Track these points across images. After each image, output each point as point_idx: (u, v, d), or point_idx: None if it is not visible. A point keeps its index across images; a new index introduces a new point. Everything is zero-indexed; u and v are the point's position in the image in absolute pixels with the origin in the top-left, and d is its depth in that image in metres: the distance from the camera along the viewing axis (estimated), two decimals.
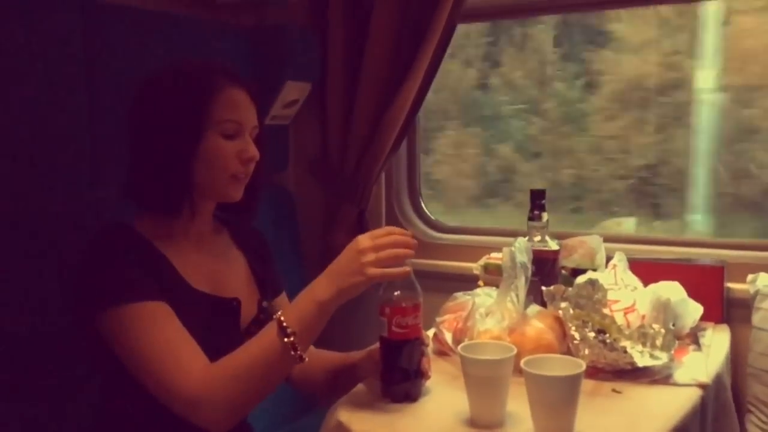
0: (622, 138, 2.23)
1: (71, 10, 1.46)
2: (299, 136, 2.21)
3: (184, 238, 1.27)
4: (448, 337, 1.42)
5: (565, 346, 1.33)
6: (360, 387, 1.27)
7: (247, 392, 1.13)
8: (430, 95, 2.04)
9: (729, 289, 1.70)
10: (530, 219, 1.51)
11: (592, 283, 1.37)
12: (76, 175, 1.50)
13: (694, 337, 1.50)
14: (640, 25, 2.18)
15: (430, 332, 1.46)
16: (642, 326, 1.33)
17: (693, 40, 2.07)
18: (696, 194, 2.07)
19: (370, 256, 1.10)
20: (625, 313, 1.38)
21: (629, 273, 1.56)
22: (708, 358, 1.41)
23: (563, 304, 1.35)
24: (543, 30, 2.34)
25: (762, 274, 1.65)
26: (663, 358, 1.28)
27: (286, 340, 1.10)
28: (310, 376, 1.39)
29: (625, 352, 1.26)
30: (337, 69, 2.05)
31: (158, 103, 1.20)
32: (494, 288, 1.47)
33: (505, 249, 1.38)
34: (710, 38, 2.04)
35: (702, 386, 1.26)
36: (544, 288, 1.41)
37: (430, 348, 1.35)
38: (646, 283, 1.52)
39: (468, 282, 1.71)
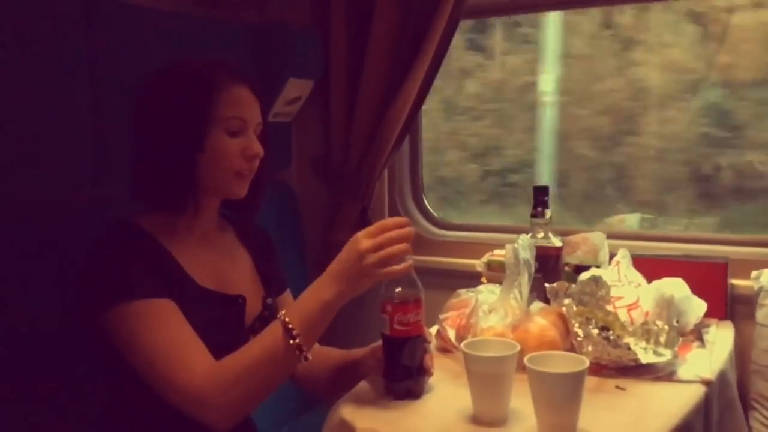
0: (485, 136, 2.51)
1: (73, 8, 1.46)
2: (302, 133, 2.21)
3: (189, 235, 1.27)
4: (451, 334, 1.42)
5: (569, 343, 1.33)
6: (363, 384, 1.27)
7: (252, 391, 1.13)
8: None
9: (733, 285, 1.70)
10: (533, 216, 1.51)
11: (596, 280, 1.37)
12: (78, 173, 1.49)
13: (697, 334, 1.49)
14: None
15: (433, 329, 1.46)
16: (645, 323, 1.32)
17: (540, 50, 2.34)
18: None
19: (372, 258, 1.10)
20: (629, 310, 1.38)
21: (633, 270, 1.56)
22: (712, 354, 1.41)
23: (566, 301, 1.35)
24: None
25: (766, 271, 1.64)
26: (667, 354, 1.28)
27: (291, 342, 1.11)
28: (313, 374, 1.39)
29: (629, 348, 1.26)
30: (340, 66, 2.05)
31: (162, 101, 1.20)
32: (497, 285, 1.46)
33: (508, 246, 1.37)
34: (551, 47, 2.30)
35: (706, 383, 1.25)
36: (547, 285, 1.41)
37: (433, 345, 1.35)
38: (649, 280, 1.52)
39: (471, 279, 1.71)
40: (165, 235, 1.23)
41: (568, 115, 2.33)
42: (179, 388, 1.11)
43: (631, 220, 2.20)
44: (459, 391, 1.17)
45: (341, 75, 2.06)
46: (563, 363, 1.07)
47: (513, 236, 1.42)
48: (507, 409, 1.11)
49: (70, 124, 1.46)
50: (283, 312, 1.13)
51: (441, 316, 1.47)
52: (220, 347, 1.15)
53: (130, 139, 1.24)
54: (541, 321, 1.33)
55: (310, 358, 1.13)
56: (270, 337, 1.13)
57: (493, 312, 1.35)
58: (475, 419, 1.11)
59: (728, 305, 1.68)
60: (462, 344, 1.15)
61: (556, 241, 1.51)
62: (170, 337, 1.13)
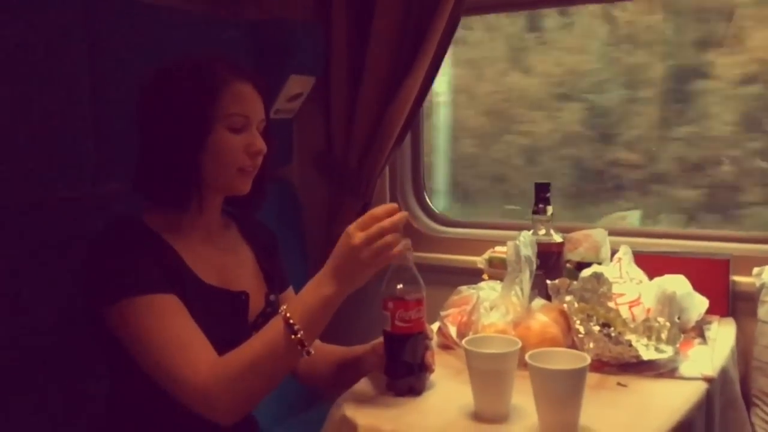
0: None
1: (74, 4, 1.46)
2: (303, 129, 2.21)
3: (193, 231, 1.27)
4: (453, 330, 1.42)
5: (570, 339, 1.32)
6: (364, 381, 1.27)
7: (255, 386, 1.13)
8: None
9: (734, 282, 1.70)
10: (535, 212, 1.51)
11: (597, 277, 1.36)
12: (79, 171, 1.50)
13: (699, 331, 1.49)
14: None
15: (435, 326, 1.46)
16: (647, 319, 1.32)
17: None
18: (438, 182, 2.41)
19: (367, 251, 1.09)
20: (630, 307, 1.38)
21: (634, 266, 1.56)
22: (713, 351, 1.41)
23: (568, 298, 1.35)
24: None
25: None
26: (668, 351, 1.27)
27: (293, 337, 1.11)
28: (315, 370, 1.40)
29: (630, 345, 1.26)
30: (341, 62, 2.05)
31: (165, 98, 1.21)
32: (499, 282, 1.46)
33: (509, 242, 1.37)
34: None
35: (708, 380, 1.25)
36: (548, 281, 1.41)
37: (434, 342, 1.35)
38: (651, 277, 1.52)
39: (472, 276, 1.71)
40: (169, 232, 1.23)
41: (457, 115, 2.45)
42: (183, 383, 1.11)
43: (631, 218, 2.20)
44: (460, 388, 1.17)
45: (343, 71, 2.05)
46: (565, 360, 1.07)
47: (514, 233, 1.42)
48: (508, 406, 1.11)
49: (70, 121, 1.47)
50: (285, 307, 1.13)
51: (442, 313, 1.47)
52: (223, 343, 1.15)
53: (131, 137, 1.24)
54: (542, 318, 1.33)
55: (313, 352, 1.13)
56: (272, 332, 1.13)
57: (494, 309, 1.35)
58: (477, 416, 1.11)
59: (730, 302, 1.67)
60: (463, 341, 1.15)
61: (558, 238, 1.51)
62: (174, 333, 1.13)
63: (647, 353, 1.27)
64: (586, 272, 1.40)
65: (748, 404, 1.57)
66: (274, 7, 2.13)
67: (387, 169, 2.14)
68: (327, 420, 1.20)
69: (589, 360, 1.05)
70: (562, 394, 1.03)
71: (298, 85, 2.04)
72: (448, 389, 1.23)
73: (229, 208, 1.37)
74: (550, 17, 2.26)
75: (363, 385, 1.26)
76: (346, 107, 2.07)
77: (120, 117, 1.47)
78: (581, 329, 1.30)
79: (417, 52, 1.93)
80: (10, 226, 1.35)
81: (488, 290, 1.47)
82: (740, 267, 1.69)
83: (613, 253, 1.62)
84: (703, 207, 2.06)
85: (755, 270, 1.66)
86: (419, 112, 2.08)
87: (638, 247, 1.67)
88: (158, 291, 1.15)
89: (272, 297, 1.35)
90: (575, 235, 1.65)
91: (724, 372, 1.37)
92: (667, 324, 1.31)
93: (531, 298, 1.37)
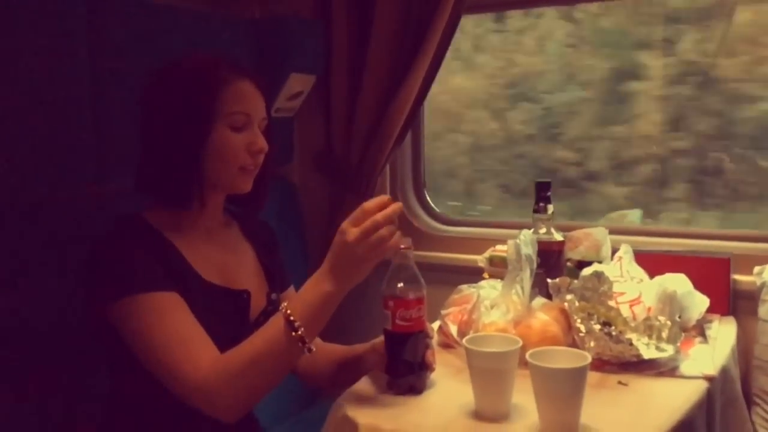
0: None
1: (75, 3, 1.46)
2: (304, 128, 2.21)
3: (195, 230, 1.28)
4: (453, 329, 1.42)
5: (571, 338, 1.32)
6: (365, 380, 1.27)
7: (256, 383, 1.13)
8: None
9: (735, 281, 1.70)
10: (535, 211, 1.50)
11: (598, 276, 1.36)
12: (80, 169, 1.50)
13: (700, 330, 1.49)
14: None
15: (435, 325, 1.46)
16: (648, 318, 1.32)
17: None
18: None
19: (362, 247, 1.08)
20: (631, 306, 1.38)
21: (635, 265, 1.56)
22: (714, 350, 1.41)
23: (569, 297, 1.35)
24: None
25: None
26: (669, 350, 1.27)
27: (294, 334, 1.11)
28: (316, 369, 1.39)
29: (631, 344, 1.26)
30: (342, 61, 2.05)
31: (167, 97, 1.21)
32: (499, 280, 1.46)
33: (510, 241, 1.37)
34: None
35: (708, 378, 1.25)
36: (549, 280, 1.41)
37: (435, 340, 1.35)
38: (652, 275, 1.52)
39: (473, 274, 1.71)
40: (170, 230, 1.24)
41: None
42: (184, 380, 1.11)
43: (632, 216, 2.20)
44: (461, 387, 1.17)
45: (343, 70, 2.05)
46: (565, 358, 1.07)
47: (515, 232, 1.42)
48: (509, 405, 1.11)
49: (71, 120, 1.47)
50: (285, 304, 1.13)
51: (443, 312, 1.47)
52: (224, 342, 1.15)
53: (132, 135, 1.25)
54: (543, 316, 1.33)
55: (314, 349, 1.13)
56: (272, 329, 1.13)
57: (495, 307, 1.35)
58: (477, 415, 1.11)
59: (731, 301, 1.67)
60: (464, 340, 1.15)
61: (558, 237, 1.51)
62: (176, 330, 1.14)
63: (648, 352, 1.27)
64: (586, 271, 1.40)
65: (749, 403, 1.57)
66: (275, 6, 2.13)
67: (387, 167, 2.14)
68: (327, 419, 1.20)
69: (589, 359, 1.05)
70: (562, 392, 1.03)
71: (299, 83, 2.04)
72: (449, 388, 1.23)
73: (230, 206, 1.37)
74: (515, 18, 2.32)
75: (363, 383, 1.26)
76: (347, 106, 2.07)
77: (121, 116, 1.47)
78: (582, 328, 1.30)
79: (417, 50, 1.92)
80: (12, 226, 1.35)
81: (489, 289, 1.47)
82: (741, 266, 1.69)
83: (614, 251, 1.62)
84: (628, 203, 2.17)
85: (756, 269, 1.66)
86: (419, 110, 2.08)
87: (639, 246, 1.67)
88: (160, 289, 1.15)
89: (273, 296, 1.35)
90: (576, 233, 1.65)
91: (724, 371, 1.37)
92: (668, 323, 1.31)
93: (532, 297, 1.37)
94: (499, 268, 1.65)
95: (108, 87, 1.52)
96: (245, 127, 1.23)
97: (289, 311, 1.12)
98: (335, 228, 1.12)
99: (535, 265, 1.36)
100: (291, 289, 1.44)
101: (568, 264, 1.58)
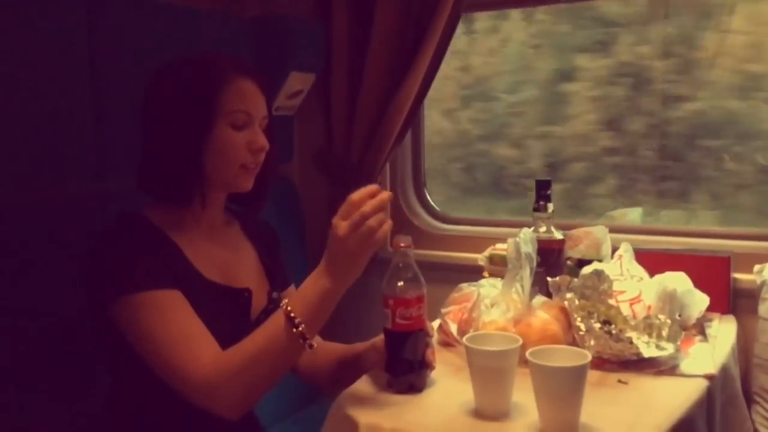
0: None
1: (75, 2, 1.46)
2: (303, 127, 2.21)
3: (196, 228, 1.28)
4: (453, 328, 1.42)
5: (571, 336, 1.32)
6: (365, 378, 1.27)
7: (257, 380, 1.14)
8: None
9: (735, 279, 1.70)
10: (535, 210, 1.50)
11: (598, 274, 1.36)
12: (81, 167, 1.50)
13: (700, 328, 1.49)
14: None
15: (435, 323, 1.46)
16: (648, 317, 1.32)
17: None
18: None
19: (353, 239, 1.08)
20: (631, 304, 1.38)
21: (635, 263, 1.56)
22: (714, 349, 1.41)
23: (569, 295, 1.35)
24: None
25: None
26: (669, 348, 1.27)
27: (295, 330, 1.11)
28: (316, 367, 1.40)
29: (631, 342, 1.26)
30: (342, 60, 2.05)
31: (168, 95, 1.21)
32: (499, 279, 1.46)
33: (510, 240, 1.37)
34: None
35: (708, 377, 1.25)
36: (549, 279, 1.41)
37: (435, 339, 1.35)
38: (652, 274, 1.52)
39: (473, 273, 1.71)
40: (172, 228, 1.24)
41: None
42: (186, 377, 1.12)
43: (632, 215, 2.20)
44: (461, 385, 1.17)
45: (343, 68, 2.05)
46: (565, 357, 1.07)
47: (515, 230, 1.42)
48: (509, 403, 1.11)
49: (72, 118, 1.47)
50: (286, 301, 1.13)
51: (443, 310, 1.47)
52: (225, 340, 1.16)
53: (133, 134, 1.25)
54: (543, 315, 1.33)
55: (315, 345, 1.13)
56: (273, 326, 1.13)
57: (495, 306, 1.35)
58: (477, 413, 1.11)
59: (731, 299, 1.67)
60: (464, 338, 1.15)
61: (558, 235, 1.51)
62: (177, 328, 1.14)
63: (648, 350, 1.27)
64: (586, 269, 1.40)
65: (749, 401, 1.57)
66: (275, 5, 2.13)
67: (387, 166, 2.14)
68: (327, 417, 1.20)
69: (589, 357, 1.05)
70: (562, 391, 1.03)
71: (299, 82, 2.04)
72: (449, 386, 1.23)
73: (232, 205, 1.37)
74: (481, 21, 2.38)
75: (363, 382, 1.26)
76: (347, 105, 2.07)
77: (122, 114, 1.48)
78: (582, 326, 1.30)
79: (417, 50, 1.92)
80: (12, 224, 1.35)
81: (489, 287, 1.47)
82: (741, 264, 1.69)
83: (614, 250, 1.62)
84: (562, 200, 2.22)
85: (756, 267, 1.66)
86: (419, 109, 2.08)
87: (639, 245, 1.67)
88: (162, 287, 1.15)
89: (274, 294, 1.35)
90: (576, 232, 1.65)
91: (724, 369, 1.37)
92: (668, 321, 1.31)
93: (532, 296, 1.37)
94: (499, 266, 1.65)
95: (109, 84, 1.52)
96: (246, 125, 1.23)
97: (289, 308, 1.12)
98: None
99: (535, 264, 1.36)
100: (292, 287, 1.44)
101: (568, 262, 1.58)
